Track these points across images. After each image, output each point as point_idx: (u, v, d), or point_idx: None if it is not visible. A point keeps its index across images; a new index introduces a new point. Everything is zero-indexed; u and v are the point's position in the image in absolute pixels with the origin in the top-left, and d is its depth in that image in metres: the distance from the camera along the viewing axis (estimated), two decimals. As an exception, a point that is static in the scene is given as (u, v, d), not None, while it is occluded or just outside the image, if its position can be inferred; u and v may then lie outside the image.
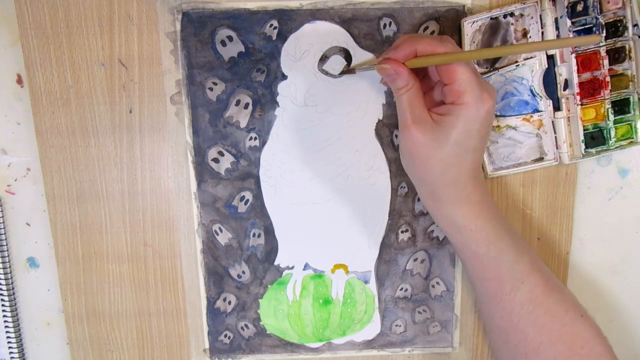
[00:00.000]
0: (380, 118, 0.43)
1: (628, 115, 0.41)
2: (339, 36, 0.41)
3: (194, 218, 0.44)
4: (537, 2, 0.40)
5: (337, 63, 0.42)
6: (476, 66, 0.41)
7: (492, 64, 0.41)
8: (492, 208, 0.38)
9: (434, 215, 0.39)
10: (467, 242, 0.37)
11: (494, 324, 0.39)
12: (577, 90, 0.40)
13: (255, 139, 0.43)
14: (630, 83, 0.40)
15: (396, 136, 0.43)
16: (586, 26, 0.39)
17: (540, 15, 0.40)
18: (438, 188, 0.36)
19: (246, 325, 0.47)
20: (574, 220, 0.45)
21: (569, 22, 0.39)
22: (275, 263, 0.45)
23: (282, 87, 0.42)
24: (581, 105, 0.40)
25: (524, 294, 0.37)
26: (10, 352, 0.47)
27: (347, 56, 0.41)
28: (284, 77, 0.42)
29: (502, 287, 0.38)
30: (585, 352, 0.37)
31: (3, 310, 0.46)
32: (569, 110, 0.41)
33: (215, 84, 0.42)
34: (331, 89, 0.42)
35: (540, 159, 0.43)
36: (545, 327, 0.37)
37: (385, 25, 0.41)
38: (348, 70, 0.41)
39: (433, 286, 0.46)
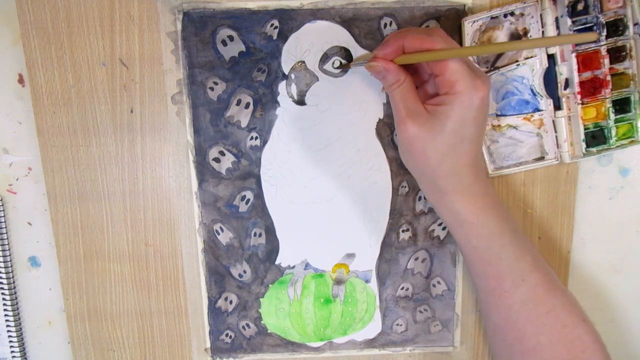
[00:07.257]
0: (381, 117, 0.43)
1: (629, 114, 0.41)
2: (340, 36, 0.41)
3: (195, 217, 0.44)
4: (537, 1, 0.40)
5: (337, 63, 0.42)
6: (476, 65, 0.41)
7: (493, 63, 0.41)
8: (496, 203, 0.37)
9: (436, 207, 0.39)
10: (468, 236, 0.37)
11: (492, 321, 0.39)
12: (577, 89, 0.40)
13: (256, 138, 0.43)
14: (631, 82, 0.40)
15: (397, 135, 0.43)
16: (587, 25, 0.39)
17: (541, 15, 0.40)
18: (438, 179, 0.36)
19: (247, 325, 0.47)
20: (574, 220, 0.45)
21: (569, 21, 0.39)
22: (277, 262, 0.45)
23: (282, 86, 0.42)
24: (582, 104, 0.40)
25: (524, 292, 0.37)
26: (12, 351, 0.47)
27: (348, 56, 0.41)
28: (285, 76, 0.42)
29: (502, 283, 0.37)
30: (586, 356, 0.36)
31: (4, 310, 0.46)
32: (569, 110, 0.41)
33: (216, 83, 0.42)
34: (332, 88, 0.42)
35: (541, 158, 0.43)
36: (546, 327, 0.37)
37: (385, 25, 0.41)
38: (343, 65, 0.42)
39: (434, 285, 0.46)
